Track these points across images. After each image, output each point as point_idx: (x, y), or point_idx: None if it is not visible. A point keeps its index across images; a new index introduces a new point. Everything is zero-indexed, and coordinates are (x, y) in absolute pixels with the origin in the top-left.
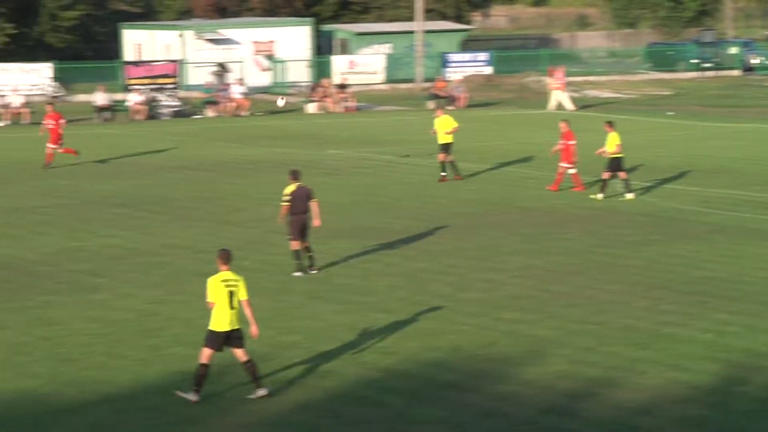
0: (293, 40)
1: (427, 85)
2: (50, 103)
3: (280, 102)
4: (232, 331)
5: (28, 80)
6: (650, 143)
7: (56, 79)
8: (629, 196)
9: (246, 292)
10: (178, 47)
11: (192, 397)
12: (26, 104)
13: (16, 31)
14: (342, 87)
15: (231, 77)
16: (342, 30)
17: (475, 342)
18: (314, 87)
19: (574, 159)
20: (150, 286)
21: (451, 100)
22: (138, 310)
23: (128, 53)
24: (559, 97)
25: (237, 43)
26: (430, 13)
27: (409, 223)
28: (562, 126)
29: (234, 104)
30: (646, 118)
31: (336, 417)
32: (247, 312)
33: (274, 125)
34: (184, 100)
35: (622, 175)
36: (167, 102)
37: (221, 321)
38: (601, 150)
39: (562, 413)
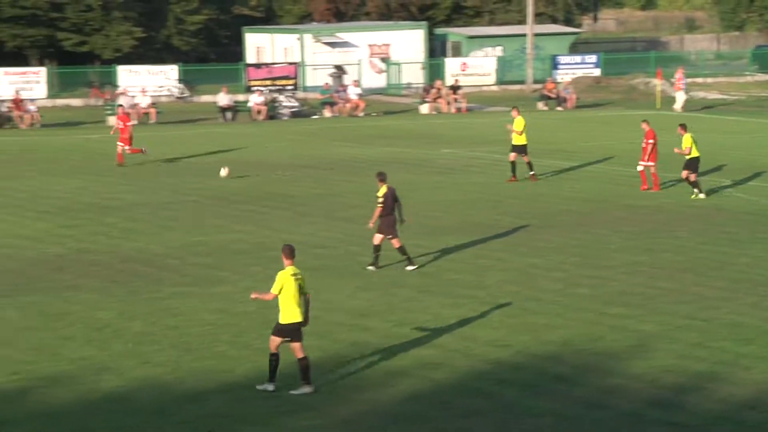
0: (408, 43)
1: (537, 86)
2: (120, 105)
3: (223, 172)
4: (299, 323)
5: (155, 82)
6: (756, 144)
7: (181, 80)
8: (701, 196)
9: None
10: (297, 50)
11: (269, 387)
12: (153, 104)
13: (144, 35)
14: (454, 88)
15: (348, 79)
16: (455, 33)
17: (583, 336)
18: (427, 88)
19: (654, 158)
20: (270, 279)
21: (560, 101)
22: (259, 302)
23: (250, 56)
24: (677, 97)
25: (354, 46)
26: (541, 17)
27: (518, 220)
28: (644, 126)
29: (350, 105)
30: (752, 119)
31: (447, 408)
32: (308, 306)
33: (389, 125)
34: (303, 101)
35: (692, 177)
36: (287, 103)
37: (292, 313)
38: (679, 150)
39: (668, 406)
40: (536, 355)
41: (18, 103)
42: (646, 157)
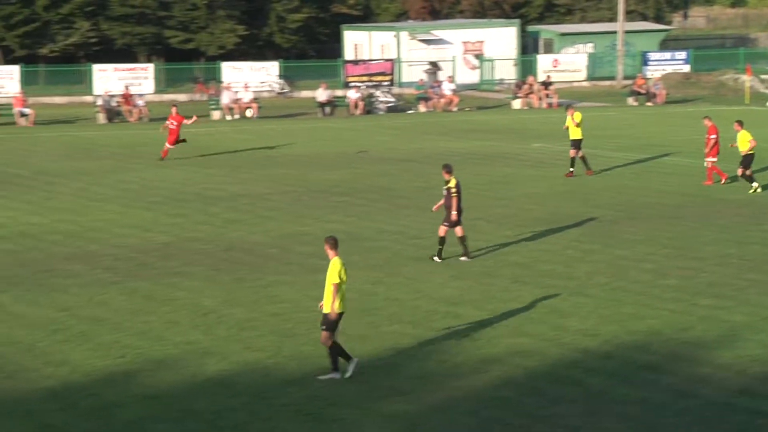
0: (501, 40)
1: (628, 82)
2: (174, 105)
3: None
4: (342, 314)
5: (257, 77)
6: None
7: (282, 76)
8: (759, 190)
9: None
10: (393, 47)
11: (335, 375)
12: (255, 99)
13: (247, 33)
14: (546, 84)
15: (442, 75)
16: (547, 30)
17: (672, 326)
18: (520, 84)
19: (715, 153)
20: (369, 268)
21: (650, 96)
22: (358, 290)
23: (348, 53)
24: None
25: (448, 43)
26: (631, 14)
27: (608, 212)
28: (706, 122)
29: (445, 100)
30: None
31: (538, 394)
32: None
33: (482, 120)
34: (399, 96)
35: (745, 171)
36: (383, 98)
37: (343, 302)
38: (733, 144)
39: (756, 395)
40: (625, 345)
41: (127, 98)
42: (709, 152)
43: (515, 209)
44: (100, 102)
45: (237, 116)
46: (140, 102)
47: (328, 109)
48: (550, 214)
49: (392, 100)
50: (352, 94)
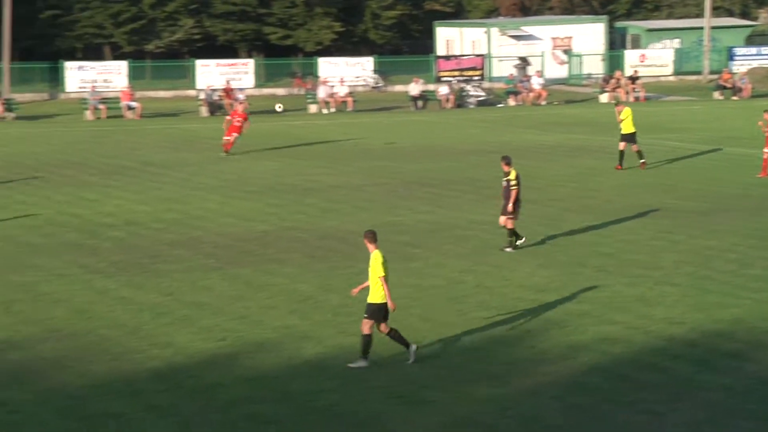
0: (589, 35)
1: (714, 77)
2: (242, 103)
3: (279, 108)
4: (385, 303)
5: (352, 72)
6: None
7: (376, 71)
8: None
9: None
10: (484, 43)
11: (363, 363)
12: (350, 93)
13: (343, 29)
14: (633, 79)
15: (531, 70)
16: (634, 26)
17: (757, 315)
18: (607, 79)
19: None
20: (459, 257)
21: (735, 91)
22: (448, 278)
23: (440, 48)
24: None
25: (537, 38)
26: (718, 10)
27: (692, 203)
28: (767, 116)
29: (533, 94)
30: None
31: (625, 380)
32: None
33: (570, 113)
34: (489, 91)
35: None
36: (473, 92)
37: (379, 293)
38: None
39: None
40: (709, 332)
41: (228, 92)
42: None
43: (601, 200)
44: (202, 96)
45: (333, 110)
46: (241, 96)
47: (420, 103)
48: (636, 205)
49: (482, 94)
50: (444, 89)
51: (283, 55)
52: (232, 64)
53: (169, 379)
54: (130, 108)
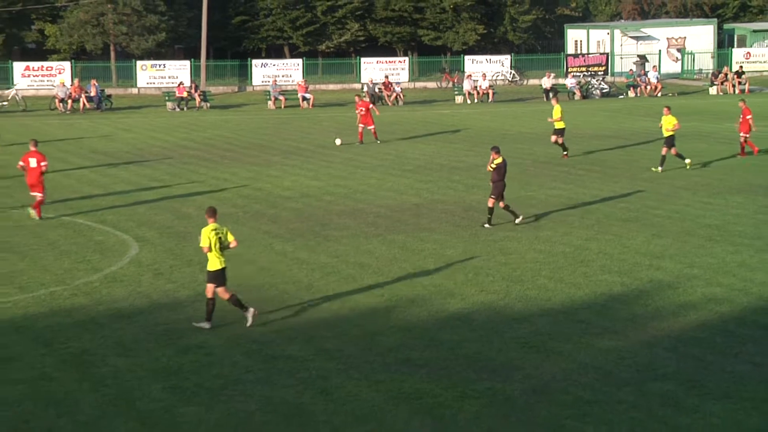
0: (700, 36)
1: None
2: (357, 95)
3: (338, 141)
4: (223, 269)
5: (492, 68)
6: None
7: (513, 67)
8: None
9: (232, 236)
10: (607, 43)
11: (205, 325)
12: (491, 87)
13: (485, 31)
14: (738, 74)
15: (648, 66)
16: (741, 27)
17: None
18: (716, 74)
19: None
20: (584, 227)
21: None
22: (574, 245)
23: (569, 47)
24: None
25: (655, 39)
26: None
27: None
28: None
29: (650, 87)
30: None
31: (729, 335)
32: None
33: (682, 104)
34: (611, 84)
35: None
36: (598, 85)
37: (217, 262)
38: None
39: None
40: None
41: (387, 85)
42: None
43: (710, 179)
44: (365, 89)
45: (476, 100)
46: (397, 89)
47: (551, 95)
48: (742, 184)
49: (606, 87)
50: (571, 82)
51: (433, 54)
52: (391, 62)
53: (336, 327)
54: (304, 99)
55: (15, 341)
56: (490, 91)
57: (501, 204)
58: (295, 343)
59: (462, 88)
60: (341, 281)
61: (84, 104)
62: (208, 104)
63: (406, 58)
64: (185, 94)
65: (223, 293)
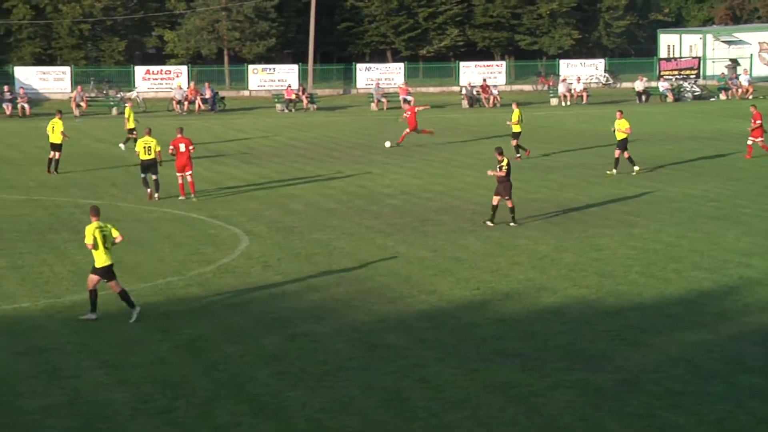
0: None
1: None
2: (407, 101)
3: (387, 144)
4: (110, 265)
5: (587, 72)
6: None
7: (607, 71)
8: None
9: (117, 232)
10: (700, 47)
11: (91, 316)
12: (585, 89)
13: (580, 36)
14: None
15: (740, 69)
16: None
17: None
18: None
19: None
20: (674, 225)
21: None
22: (665, 242)
23: (662, 51)
24: None
25: (746, 43)
26: None
27: None
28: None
29: (742, 90)
30: None
31: None
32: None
33: None
34: (703, 87)
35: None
36: (690, 88)
37: (102, 258)
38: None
39: None
40: None
41: (485, 88)
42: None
43: None
44: (464, 91)
45: (570, 102)
46: (495, 91)
47: (644, 98)
48: None
49: (697, 90)
50: (664, 85)
51: (529, 58)
52: (488, 65)
53: (433, 318)
54: (405, 101)
55: (135, 327)
56: (584, 94)
57: (508, 203)
58: (395, 333)
59: (557, 90)
60: (438, 274)
61: (199, 106)
62: (315, 106)
63: (503, 62)
64: (293, 97)
65: (114, 287)
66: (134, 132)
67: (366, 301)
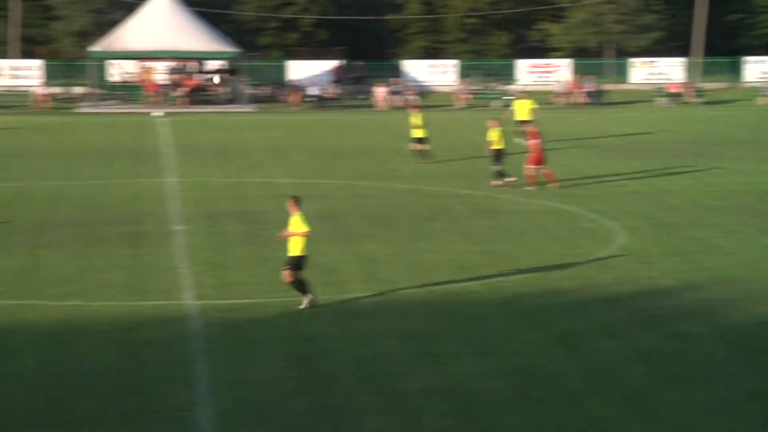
0: None
1: None
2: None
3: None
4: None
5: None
6: None
7: None
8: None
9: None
10: None
11: (307, 299)
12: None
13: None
14: None
15: None
16: None
17: None
18: None
19: None
20: None
21: None
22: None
23: None
24: None
25: None
26: None
27: None
28: None
29: None
30: None
31: None
32: None
33: None
34: None
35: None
36: None
37: (298, 247)
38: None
39: None
40: None
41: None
42: None
43: None
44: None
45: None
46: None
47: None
48: None
49: None
50: None
51: None
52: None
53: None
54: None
55: (509, 317)
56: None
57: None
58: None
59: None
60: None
61: (582, 99)
62: (701, 100)
63: None
64: (678, 90)
65: (288, 276)
66: (526, 124)
67: (750, 302)
